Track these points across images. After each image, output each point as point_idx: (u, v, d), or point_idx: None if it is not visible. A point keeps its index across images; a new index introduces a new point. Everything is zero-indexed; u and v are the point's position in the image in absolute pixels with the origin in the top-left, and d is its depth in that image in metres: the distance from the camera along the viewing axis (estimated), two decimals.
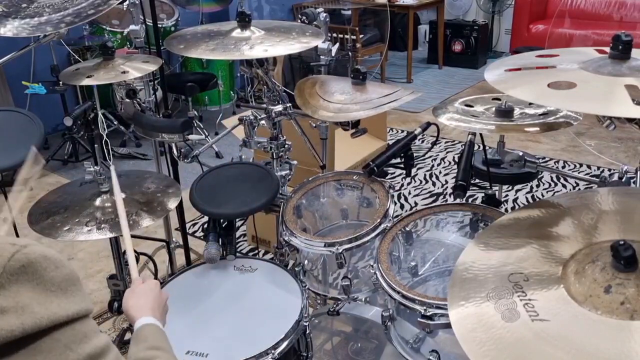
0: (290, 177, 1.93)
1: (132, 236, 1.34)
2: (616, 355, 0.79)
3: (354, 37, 5.21)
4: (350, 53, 5.06)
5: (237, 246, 2.97)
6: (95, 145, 2.15)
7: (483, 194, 1.73)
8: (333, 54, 2.03)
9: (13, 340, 0.62)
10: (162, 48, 2.14)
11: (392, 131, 4.54)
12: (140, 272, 1.91)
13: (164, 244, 2.56)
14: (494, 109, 1.55)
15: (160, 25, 4.11)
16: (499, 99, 1.59)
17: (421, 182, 3.71)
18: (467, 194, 1.55)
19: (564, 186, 3.57)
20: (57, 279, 0.67)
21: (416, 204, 3.45)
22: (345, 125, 1.77)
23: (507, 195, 3.43)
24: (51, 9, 1.66)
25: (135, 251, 1.85)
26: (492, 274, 1.00)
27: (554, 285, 0.93)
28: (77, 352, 0.66)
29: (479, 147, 1.61)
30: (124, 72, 1.84)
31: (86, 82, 1.82)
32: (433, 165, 3.92)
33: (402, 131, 4.58)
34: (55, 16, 1.63)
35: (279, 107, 1.84)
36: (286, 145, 1.91)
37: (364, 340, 1.87)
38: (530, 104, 1.54)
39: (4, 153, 1.64)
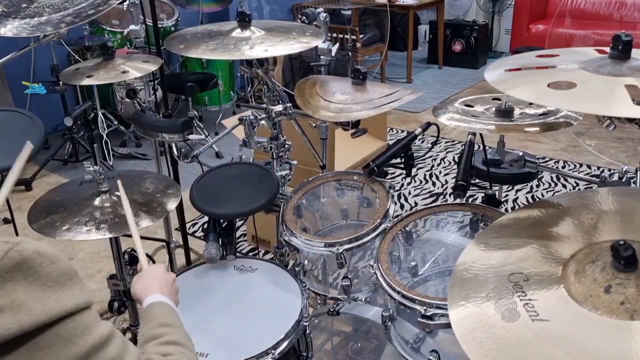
0: (290, 177, 1.93)
1: (131, 236, 1.34)
2: (616, 355, 0.79)
3: (354, 37, 5.21)
4: (350, 53, 5.06)
5: (237, 246, 2.97)
6: (95, 145, 2.14)
7: (483, 194, 1.73)
8: (333, 54, 2.02)
9: (11, 338, 0.62)
10: (162, 48, 2.14)
11: (392, 131, 4.54)
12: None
13: (164, 244, 2.56)
14: (494, 109, 1.55)
15: (160, 25, 4.11)
16: (499, 99, 1.59)
17: (421, 182, 3.71)
18: (467, 194, 1.55)
19: (564, 186, 3.57)
20: (53, 274, 0.66)
21: (416, 204, 3.45)
22: (345, 125, 1.77)
23: (507, 195, 3.42)
24: (51, 9, 1.66)
25: (134, 251, 1.85)
26: (492, 274, 1.00)
27: (554, 285, 0.93)
28: (79, 344, 0.66)
29: (479, 147, 1.61)
30: (124, 72, 1.84)
31: (86, 82, 1.82)
32: (433, 165, 3.92)
33: (402, 131, 4.58)
34: (55, 16, 1.63)
35: (279, 107, 1.84)
36: (286, 145, 1.91)
37: (364, 340, 1.87)
38: (530, 104, 1.54)
39: (4, 153, 1.63)
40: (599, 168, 3.81)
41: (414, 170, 3.75)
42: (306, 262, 1.67)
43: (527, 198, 3.43)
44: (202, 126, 4.44)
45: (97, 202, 1.61)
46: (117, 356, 0.70)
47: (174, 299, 1.11)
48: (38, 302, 0.64)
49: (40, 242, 0.68)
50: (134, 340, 1.82)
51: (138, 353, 0.75)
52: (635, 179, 1.41)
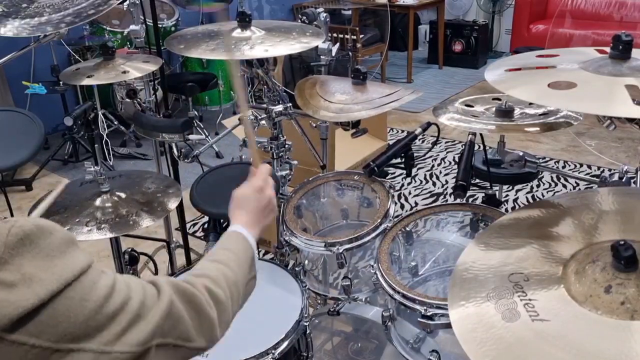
0: (290, 177, 1.93)
1: (132, 236, 1.34)
2: (616, 355, 0.79)
3: (354, 37, 5.21)
4: (350, 53, 5.06)
5: None
6: (96, 145, 2.14)
7: (483, 194, 1.73)
8: (333, 54, 2.02)
9: (30, 310, 0.64)
10: (162, 48, 2.14)
11: (393, 131, 4.54)
12: (140, 272, 1.90)
13: (164, 244, 2.56)
14: (494, 109, 1.55)
15: (160, 25, 4.11)
16: (499, 99, 1.59)
17: (421, 182, 3.71)
18: (467, 194, 1.55)
19: (564, 186, 3.56)
20: (54, 244, 0.70)
21: (416, 204, 3.45)
22: (345, 125, 1.77)
23: (507, 195, 3.42)
24: (51, 9, 1.66)
25: (135, 251, 1.85)
26: (492, 274, 1.00)
27: (554, 285, 0.93)
28: (92, 300, 0.69)
29: (479, 147, 1.61)
30: (124, 72, 1.84)
31: (86, 82, 1.83)
32: (433, 165, 3.92)
33: (403, 131, 4.58)
34: (56, 16, 1.63)
35: (279, 107, 1.84)
36: (286, 145, 1.91)
37: (364, 340, 1.87)
38: (530, 104, 1.54)
39: (4, 153, 1.64)
40: (599, 168, 3.81)
41: (414, 170, 3.75)
42: (306, 262, 1.67)
43: (527, 198, 3.43)
44: (202, 126, 4.43)
45: (98, 202, 1.61)
46: (125, 297, 0.73)
47: (261, 224, 1.11)
48: (47, 271, 0.67)
49: (35, 217, 0.72)
50: None
51: (142, 285, 0.79)
52: (635, 179, 1.41)
